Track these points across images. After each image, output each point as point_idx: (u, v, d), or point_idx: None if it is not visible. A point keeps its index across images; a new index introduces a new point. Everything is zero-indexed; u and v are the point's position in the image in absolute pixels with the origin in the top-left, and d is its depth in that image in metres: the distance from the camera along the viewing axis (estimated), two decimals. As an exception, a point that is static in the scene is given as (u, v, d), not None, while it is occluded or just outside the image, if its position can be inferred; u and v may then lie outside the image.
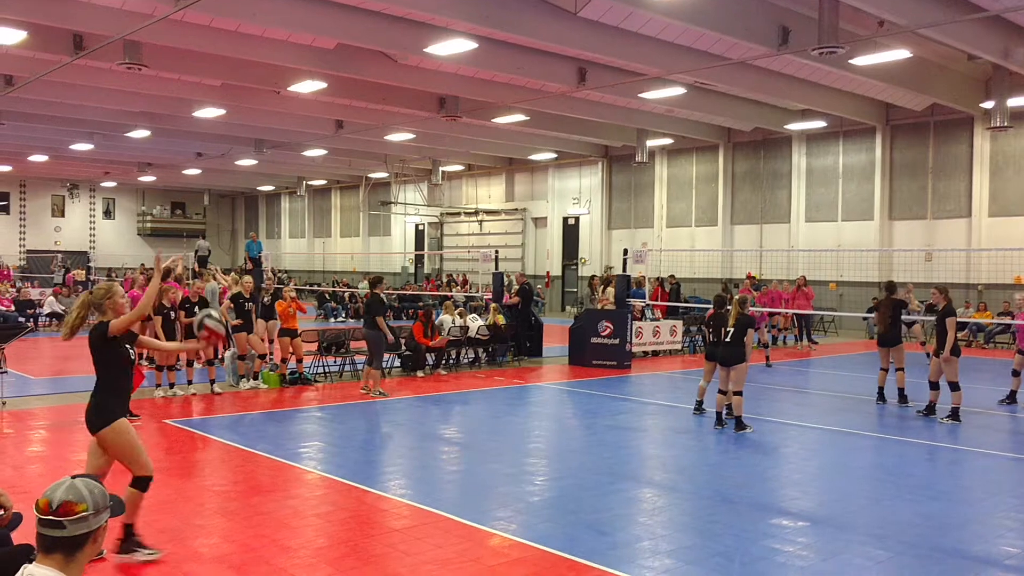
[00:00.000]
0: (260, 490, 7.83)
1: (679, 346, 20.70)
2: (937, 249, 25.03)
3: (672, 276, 26.02)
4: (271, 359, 14.60)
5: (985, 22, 17.36)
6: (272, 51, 18.47)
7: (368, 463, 9.08)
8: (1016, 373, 13.19)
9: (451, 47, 17.46)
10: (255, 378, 14.03)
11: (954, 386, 11.72)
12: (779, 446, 10.40)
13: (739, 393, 10.95)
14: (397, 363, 16.26)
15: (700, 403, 12.03)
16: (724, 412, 11.18)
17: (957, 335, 11.84)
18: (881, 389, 13.36)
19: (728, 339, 10.95)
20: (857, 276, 26.00)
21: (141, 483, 5.89)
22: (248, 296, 13.93)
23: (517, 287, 19.12)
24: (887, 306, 13.21)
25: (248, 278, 14.99)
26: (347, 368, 15.67)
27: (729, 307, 11.28)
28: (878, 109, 26.11)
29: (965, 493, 8.22)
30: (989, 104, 22.15)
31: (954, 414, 11.68)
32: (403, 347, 15.86)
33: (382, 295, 13.75)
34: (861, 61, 18.83)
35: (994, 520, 7.32)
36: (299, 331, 14.33)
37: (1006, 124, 21.46)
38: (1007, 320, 22.24)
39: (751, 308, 12.91)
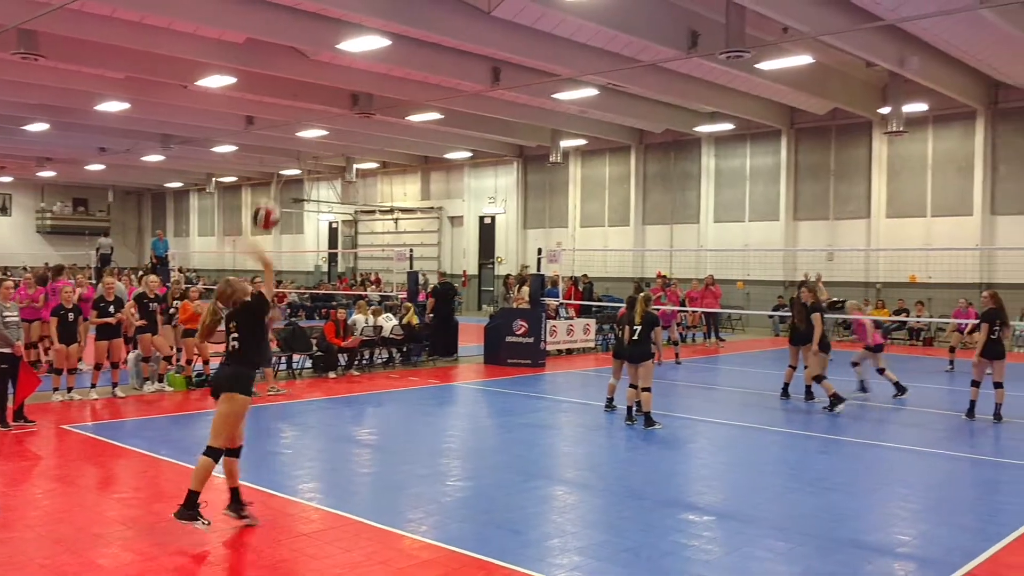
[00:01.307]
0: (163, 497, 7.60)
1: (592, 344, 20.96)
2: (838, 249, 25.98)
3: (585, 275, 26.31)
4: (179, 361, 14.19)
5: (882, 31, 18.07)
6: (178, 44, 17.96)
7: (276, 466, 8.91)
8: (856, 364, 14.27)
9: (364, 44, 17.29)
10: (160, 381, 13.62)
11: (818, 379, 12.54)
12: (687, 442, 10.63)
13: (648, 389, 11.12)
14: (308, 364, 16.02)
15: (611, 400, 12.19)
16: (635, 408, 11.36)
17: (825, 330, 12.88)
18: (786, 385, 13.77)
19: (636, 336, 11.12)
20: (763, 275, 26.76)
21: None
22: (153, 296, 13.51)
23: (432, 286, 19.08)
24: (799, 305, 13.59)
25: (154, 277, 14.54)
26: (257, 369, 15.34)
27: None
28: (783, 113, 26.93)
29: (861, 485, 8.54)
30: (886, 110, 23.09)
31: (834, 400, 12.33)
32: (315, 348, 15.62)
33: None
34: (767, 66, 19.40)
35: (886, 510, 7.64)
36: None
37: (902, 129, 22.40)
38: (903, 318, 23.25)
39: (665, 305, 13.17)
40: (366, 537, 6.53)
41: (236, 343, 6.62)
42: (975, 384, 12.01)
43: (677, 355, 18.75)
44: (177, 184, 48.52)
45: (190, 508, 6.38)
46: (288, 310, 30.36)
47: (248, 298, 6.65)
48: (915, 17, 16.44)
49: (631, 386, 11.34)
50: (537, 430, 11.15)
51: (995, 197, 23.99)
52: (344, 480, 8.53)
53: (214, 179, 44.19)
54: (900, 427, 11.87)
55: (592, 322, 21.14)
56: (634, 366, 11.20)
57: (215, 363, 14.30)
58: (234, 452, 6.67)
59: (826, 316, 13.26)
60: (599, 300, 25.00)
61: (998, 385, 11.76)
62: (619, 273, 29.54)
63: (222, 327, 6.78)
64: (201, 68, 19.88)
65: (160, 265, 25.58)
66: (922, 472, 9.35)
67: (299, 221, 44.09)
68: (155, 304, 13.45)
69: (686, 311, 22.00)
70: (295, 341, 15.40)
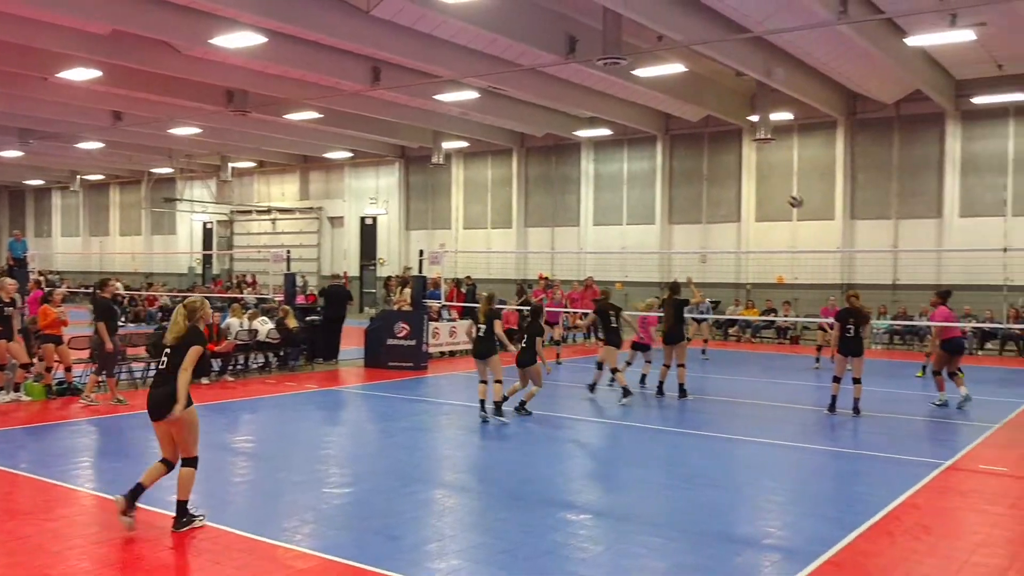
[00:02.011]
0: (17, 513, 7.17)
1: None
2: (711, 252, 26.92)
3: (468, 277, 26.34)
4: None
5: (751, 42, 18.84)
6: (37, 33, 17.03)
7: (144, 478, 8.52)
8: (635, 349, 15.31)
9: (239, 40, 16.82)
10: (16, 390, 12.82)
11: (613, 371, 13.66)
12: (567, 441, 10.78)
13: (499, 381, 11.71)
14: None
15: (483, 403, 12.21)
16: (500, 403, 11.76)
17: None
18: (661, 384, 14.15)
19: (481, 334, 11.72)
20: (641, 277, 27.43)
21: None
22: (8, 300, 12.71)
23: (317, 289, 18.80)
24: (671, 305, 14.08)
25: (10, 280, 13.68)
26: (123, 376, 14.67)
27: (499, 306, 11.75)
28: (659, 119, 27.70)
29: (731, 479, 8.85)
30: (755, 118, 24.08)
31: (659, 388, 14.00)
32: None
33: (110, 298, 13.02)
34: (643, 73, 19.92)
35: (755, 503, 7.94)
36: (64, 337, 13.20)
37: (769, 136, 23.43)
38: (771, 317, 24.27)
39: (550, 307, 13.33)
40: (237, 548, 6.33)
41: (167, 361, 6.78)
42: (836, 380, 12.66)
43: (559, 355, 18.99)
44: (38, 181, 45.91)
45: (184, 515, 6.71)
46: (160, 314, 29.22)
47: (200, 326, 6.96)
48: (780, 30, 17.21)
49: (481, 382, 11.89)
50: (417, 434, 11.08)
51: (854, 202, 25.36)
52: (216, 490, 8.23)
53: (79, 177, 42.00)
54: (768, 423, 12.35)
55: (472, 324, 21.13)
56: (483, 361, 11.78)
57: (78, 369, 13.61)
58: (169, 463, 6.87)
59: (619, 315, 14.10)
60: (480, 302, 25.04)
61: (856, 381, 12.42)
62: (502, 275, 29.72)
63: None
64: (63, 60, 18.89)
65: (17, 267, 24.13)
66: (788, 465, 9.76)
67: (171, 221, 42.47)
68: (10, 308, 12.67)
69: (568, 312, 22.30)
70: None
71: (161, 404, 6.67)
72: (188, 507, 6.76)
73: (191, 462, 6.82)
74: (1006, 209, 22.98)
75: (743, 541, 6.75)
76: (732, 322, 25.50)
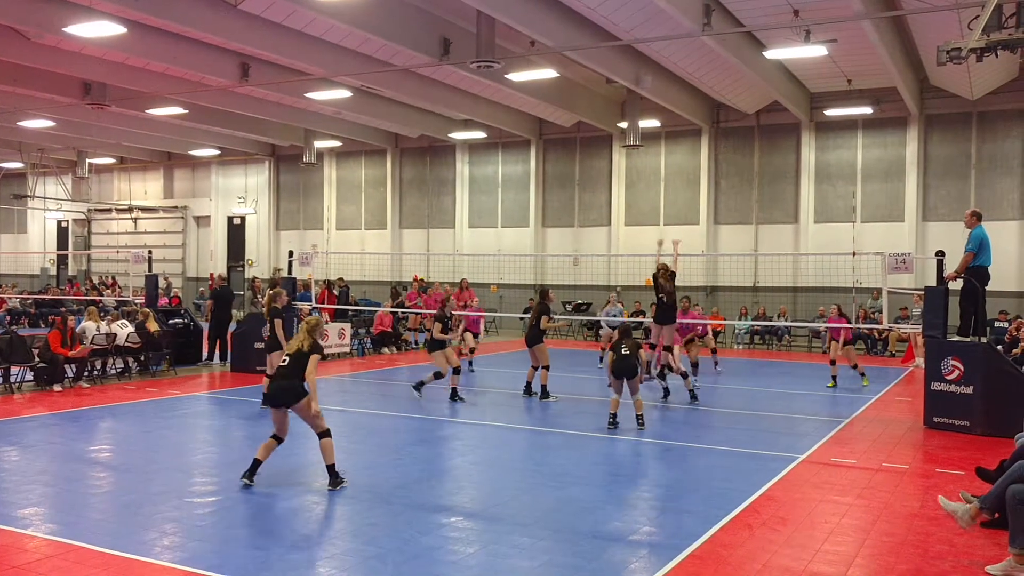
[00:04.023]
0: None
1: (348, 349, 20.68)
2: (583, 255, 27.45)
3: (341, 279, 25.89)
4: None
5: (620, 50, 19.33)
6: None
7: (-13, 493, 7.98)
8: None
9: (95, 29, 16.01)
10: None
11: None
12: (438, 444, 10.76)
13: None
14: (30, 376, 14.52)
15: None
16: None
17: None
18: (528, 384, 14.33)
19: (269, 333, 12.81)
20: (516, 279, 27.67)
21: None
22: None
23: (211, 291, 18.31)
24: (534, 310, 14.42)
25: None
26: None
27: None
28: (532, 123, 28.04)
29: (598, 477, 9.03)
30: (624, 124, 24.71)
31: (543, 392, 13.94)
32: (37, 358, 14.19)
33: None
34: (516, 77, 20.12)
35: (621, 500, 8.13)
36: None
37: (638, 143, 24.11)
38: (640, 319, 24.90)
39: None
40: (91, 564, 6.01)
41: (291, 363, 8.25)
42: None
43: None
44: None
45: (335, 476, 8.21)
46: (8, 317, 27.49)
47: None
48: (648, 39, 17.71)
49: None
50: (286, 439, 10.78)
51: (718, 208, 26.37)
52: (68, 503, 7.79)
53: (-85, 170, 39.00)
54: (631, 421, 12.67)
55: (348, 327, 20.85)
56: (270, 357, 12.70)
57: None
58: (280, 439, 8.38)
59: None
60: (356, 304, 24.72)
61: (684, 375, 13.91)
62: (376, 276, 29.41)
63: None
64: None
65: None
66: (652, 462, 10.05)
67: (21, 219, 40.01)
68: None
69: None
70: (12, 352, 13.93)
71: (286, 396, 8.13)
72: (336, 469, 8.22)
73: (326, 434, 8.24)
74: (855, 215, 24.41)
75: (611, 538, 6.89)
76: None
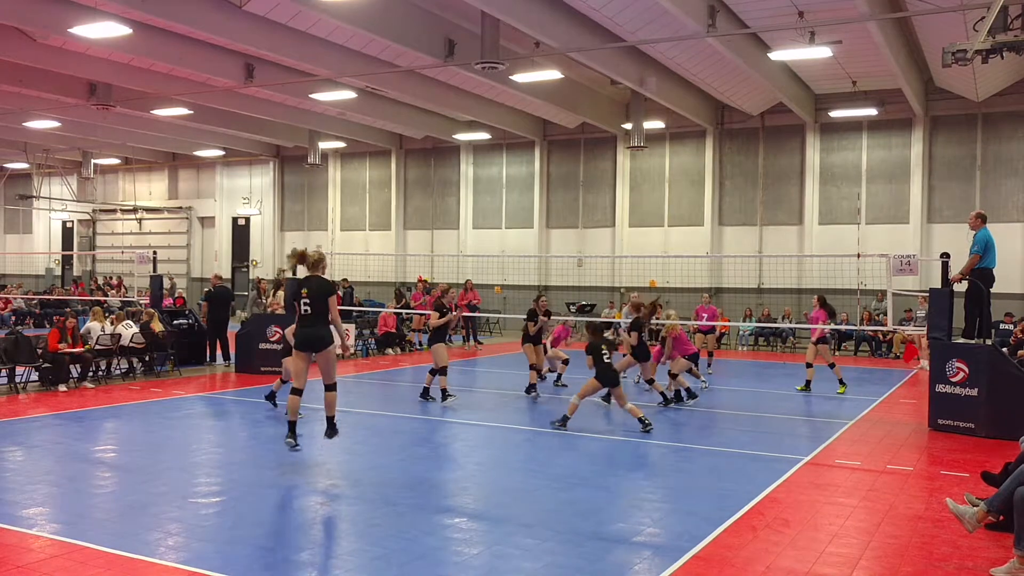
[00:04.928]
0: None
1: (352, 350, 20.67)
2: (587, 256, 27.44)
3: (346, 279, 25.95)
4: None
5: (624, 52, 19.33)
6: None
7: (-9, 492, 8.00)
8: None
9: (101, 30, 16.04)
10: None
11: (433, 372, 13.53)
12: (443, 445, 10.76)
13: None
14: (35, 377, 14.55)
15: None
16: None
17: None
18: (532, 385, 14.38)
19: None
20: (519, 280, 27.69)
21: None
22: None
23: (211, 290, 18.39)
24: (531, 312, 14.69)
25: None
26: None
27: None
28: (536, 124, 28.05)
29: (602, 478, 9.02)
30: (628, 125, 24.70)
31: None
32: (41, 359, 14.22)
33: None
34: (520, 78, 20.12)
35: (625, 502, 8.12)
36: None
37: (642, 144, 24.10)
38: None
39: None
40: (95, 564, 6.01)
41: (311, 307, 9.00)
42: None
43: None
44: None
45: (334, 427, 9.17)
46: (13, 317, 27.56)
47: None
48: (652, 40, 17.72)
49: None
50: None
51: (722, 209, 26.36)
52: (72, 503, 7.81)
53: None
54: (636, 423, 12.66)
55: (352, 327, 20.86)
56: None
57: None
58: (332, 387, 9.18)
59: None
60: (360, 304, 24.75)
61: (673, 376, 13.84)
62: (381, 277, 29.46)
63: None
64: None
65: None
66: (655, 463, 10.03)
67: (27, 220, 40.11)
68: None
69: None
70: (18, 352, 13.96)
71: (314, 343, 8.87)
72: (335, 421, 9.08)
73: (334, 387, 9.06)
74: (860, 217, 24.37)
75: (614, 539, 6.88)
76: (607, 324, 25.98)
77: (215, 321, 18.15)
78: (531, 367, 14.61)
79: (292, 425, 9.19)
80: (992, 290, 12.10)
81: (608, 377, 11.23)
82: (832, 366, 15.39)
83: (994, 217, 17.75)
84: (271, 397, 12.75)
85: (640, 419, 11.28)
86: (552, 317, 15.64)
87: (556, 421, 11.56)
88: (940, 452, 10.49)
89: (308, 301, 9.01)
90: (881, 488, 8.60)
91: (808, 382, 15.27)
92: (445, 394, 13.50)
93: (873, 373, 19.35)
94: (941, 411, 11.78)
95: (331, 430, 9.14)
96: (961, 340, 12.11)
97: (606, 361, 11.17)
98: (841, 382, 15.21)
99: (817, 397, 15.04)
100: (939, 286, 12.41)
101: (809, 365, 15.33)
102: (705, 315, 16.76)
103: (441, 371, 13.40)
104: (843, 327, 22.26)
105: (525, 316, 14.92)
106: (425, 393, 13.67)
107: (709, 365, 17.86)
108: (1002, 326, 20.65)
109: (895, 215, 24.21)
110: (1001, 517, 6.51)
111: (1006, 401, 11.17)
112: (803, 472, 9.27)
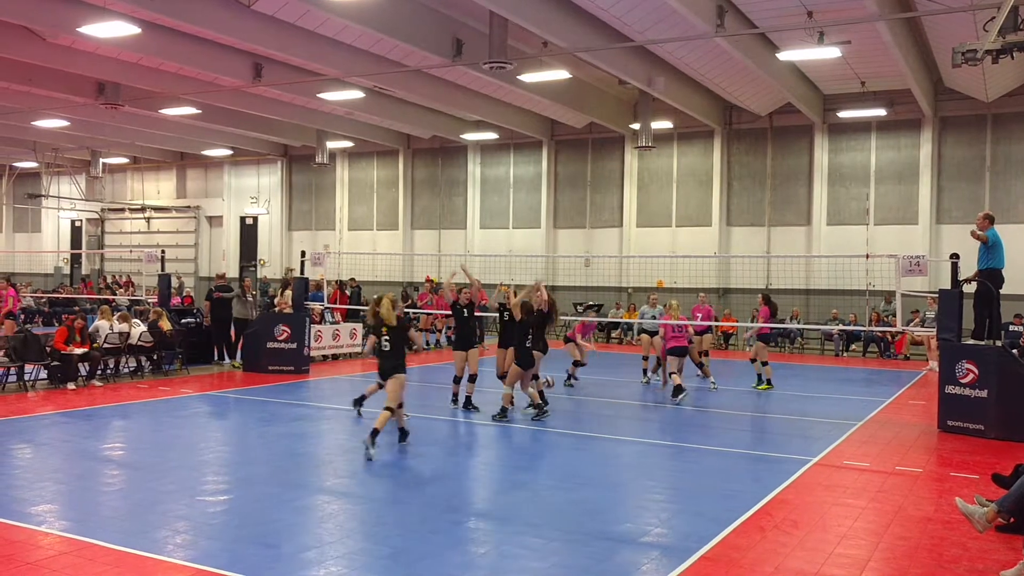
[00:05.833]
0: None
1: (359, 349, 20.70)
2: (594, 256, 27.40)
3: (353, 279, 25.97)
4: None
5: (632, 51, 19.29)
6: None
7: (1, 489, 8.02)
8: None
9: (110, 29, 16.09)
10: None
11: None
12: (445, 444, 10.74)
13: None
14: (44, 375, 14.59)
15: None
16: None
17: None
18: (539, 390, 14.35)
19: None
20: (527, 280, 27.54)
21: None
22: None
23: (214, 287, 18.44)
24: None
25: None
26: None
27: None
28: (544, 124, 28.02)
29: (609, 479, 9.01)
30: (636, 125, 24.66)
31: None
32: (49, 357, 14.26)
33: None
34: (528, 78, 20.11)
35: (632, 502, 8.10)
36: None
37: (650, 144, 24.05)
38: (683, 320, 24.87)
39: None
40: (103, 561, 6.02)
41: (391, 341, 9.95)
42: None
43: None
44: None
45: (374, 439, 9.42)
46: (22, 316, 27.64)
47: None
48: (660, 40, 17.68)
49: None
50: (296, 439, 10.83)
51: (730, 210, 26.30)
52: (80, 501, 7.83)
53: (-69, 169, 39.30)
54: (639, 422, 12.65)
55: (359, 327, 20.88)
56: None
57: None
58: (392, 410, 9.77)
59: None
60: (367, 304, 24.72)
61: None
62: (388, 277, 29.44)
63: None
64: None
65: None
66: (662, 464, 10.01)
67: (36, 219, 40.26)
68: None
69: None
70: (27, 350, 14.00)
71: (391, 372, 9.81)
72: (376, 437, 9.43)
73: (391, 409, 9.72)
74: (868, 218, 24.29)
75: (621, 539, 6.86)
76: (615, 325, 26.02)
77: (218, 320, 18.10)
78: (575, 363, 15.65)
79: (362, 398, 11.66)
80: (1001, 291, 12.04)
81: (525, 361, 11.85)
82: (765, 364, 15.76)
83: (1004, 218, 17.70)
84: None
85: (535, 404, 12.05)
86: (560, 317, 15.50)
87: (496, 415, 11.89)
88: (949, 453, 10.44)
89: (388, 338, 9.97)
90: (890, 489, 8.56)
91: (767, 379, 15.69)
92: (468, 402, 12.96)
93: (882, 374, 19.28)
94: (950, 412, 11.73)
95: (372, 438, 9.50)
96: (971, 341, 12.05)
97: (526, 347, 11.85)
98: (768, 382, 15.69)
99: (825, 398, 15.00)
100: (948, 287, 12.36)
101: (765, 363, 15.77)
102: (700, 315, 16.66)
103: (471, 378, 12.91)
104: (851, 328, 22.20)
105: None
106: (468, 403, 12.91)
107: (701, 366, 17.33)
108: (1012, 327, 20.56)
109: (904, 216, 24.13)
110: (1012, 519, 6.47)
111: (1016, 402, 11.12)
112: (812, 473, 9.24)
